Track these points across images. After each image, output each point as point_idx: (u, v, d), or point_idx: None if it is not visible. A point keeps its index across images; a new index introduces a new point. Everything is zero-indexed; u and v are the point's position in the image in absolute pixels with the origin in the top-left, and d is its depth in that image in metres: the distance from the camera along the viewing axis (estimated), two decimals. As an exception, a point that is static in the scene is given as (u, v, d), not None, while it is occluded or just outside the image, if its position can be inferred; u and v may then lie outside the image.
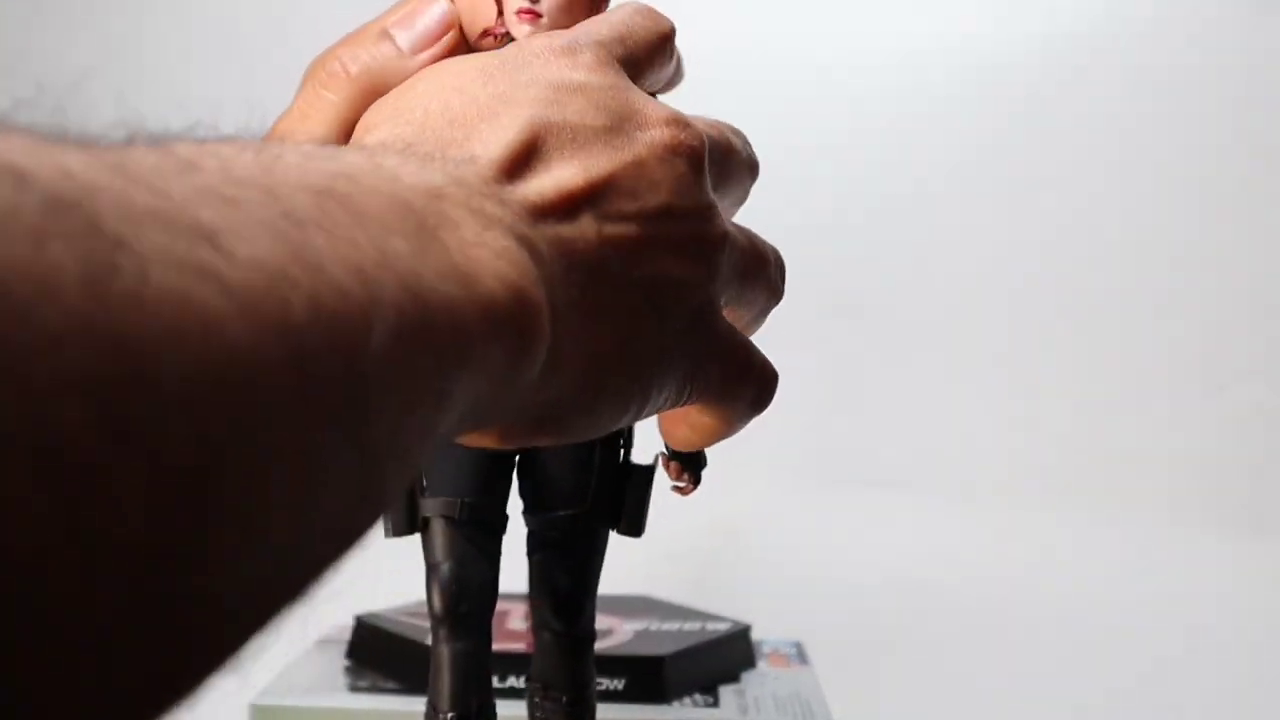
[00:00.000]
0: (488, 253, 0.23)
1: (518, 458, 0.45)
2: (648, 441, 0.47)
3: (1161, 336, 1.18)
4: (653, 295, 0.29)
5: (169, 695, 0.16)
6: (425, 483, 0.43)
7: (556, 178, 0.27)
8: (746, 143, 0.36)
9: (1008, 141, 1.22)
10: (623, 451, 0.46)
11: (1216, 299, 1.18)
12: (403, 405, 0.19)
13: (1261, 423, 1.15)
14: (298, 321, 0.16)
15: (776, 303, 0.37)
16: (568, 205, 0.27)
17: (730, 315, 0.34)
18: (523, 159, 0.26)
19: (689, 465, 0.46)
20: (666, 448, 0.47)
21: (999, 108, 1.22)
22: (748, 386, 0.34)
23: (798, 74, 1.21)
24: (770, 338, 1.27)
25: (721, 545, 1.12)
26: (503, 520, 0.44)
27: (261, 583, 0.18)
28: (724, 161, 0.33)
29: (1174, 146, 1.20)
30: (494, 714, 0.44)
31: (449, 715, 0.42)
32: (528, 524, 0.46)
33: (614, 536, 0.47)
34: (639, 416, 0.30)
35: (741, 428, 0.37)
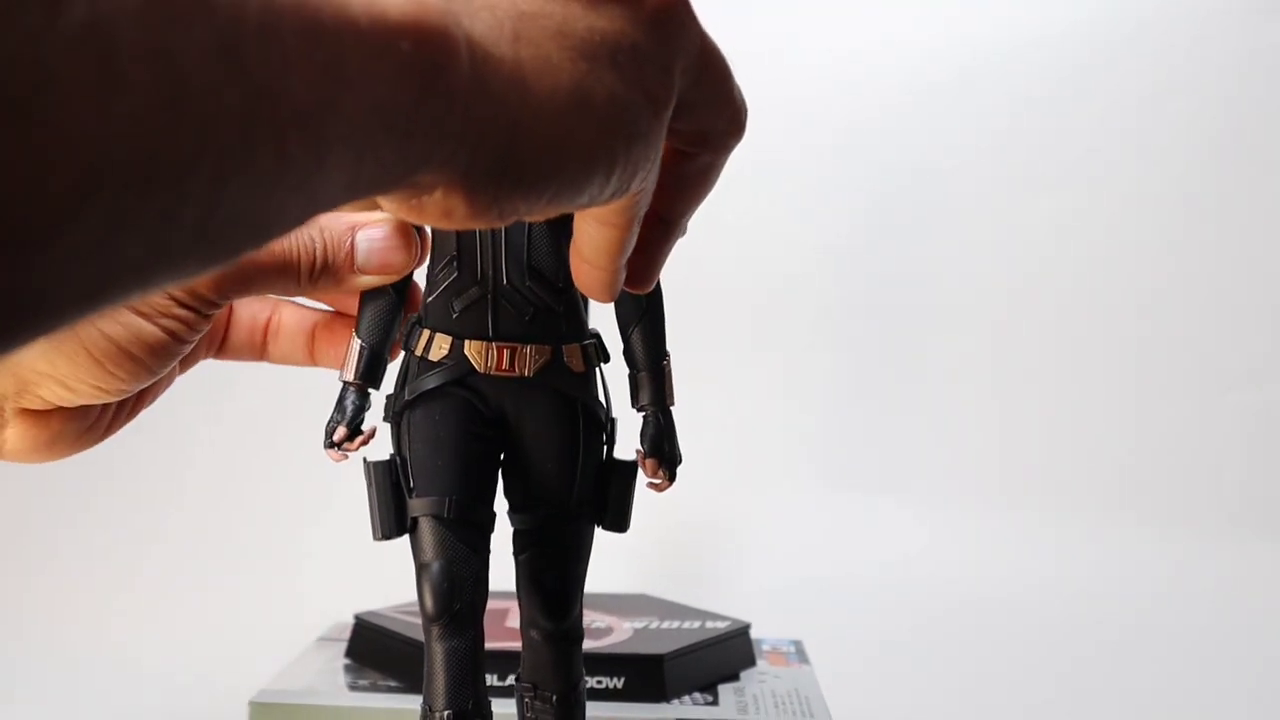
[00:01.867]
0: None
1: (503, 456, 0.45)
2: (627, 439, 0.47)
3: (1166, 340, 1.18)
4: (606, 49, 0.28)
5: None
6: (412, 484, 0.43)
7: None
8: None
9: (1008, 145, 1.22)
10: (605, 448, 0.46)
11: (1221, 302, 1.18)
12: (277, 55, 0.19)
13: (1267, 426, 1.15)
14: None
15: (738, 137, 0.35)
16: None
17: (690, 130, 0.33)
18: None
19: (664, 462, 0.46)
20: (643, 444, 0.47)
21: (996, 112, 1.22)
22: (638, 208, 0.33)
23: (803, 75, 1.21)
24: (772, 339, 1.27)
25: (721, 545, 1.13)
26: (490, 518, 0.44)
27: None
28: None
29: (1175, 148, 1.20)
30: (489, 711, 0.44)
31: (445, 714, 0.42)
32: (514, 523, 0.46)
33: (604, 536, 0.47)
34: (607, 181, 0.29)
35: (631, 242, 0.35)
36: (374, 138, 0.22)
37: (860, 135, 1.24)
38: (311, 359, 0.46)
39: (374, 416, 0.45)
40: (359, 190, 0.23)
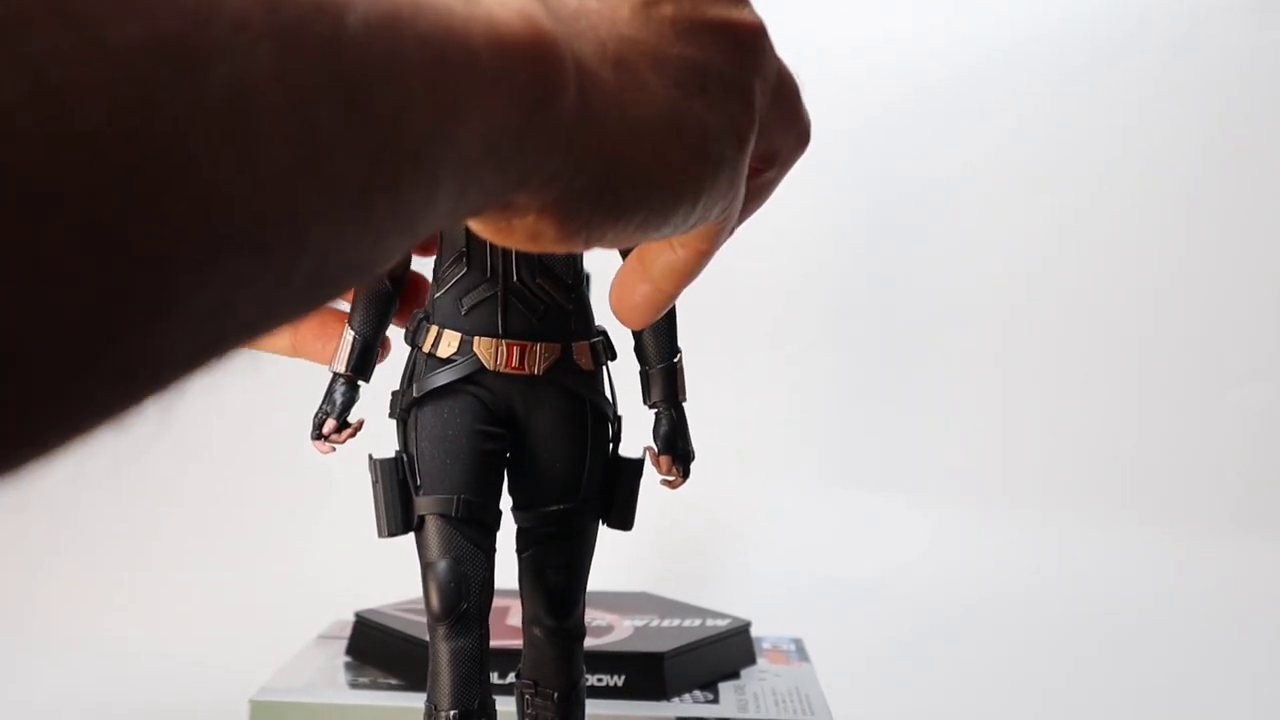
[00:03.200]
0: None
1: (509, 454, 0.45)
2: (634, 437, 0.47)
3: (1167, 339, 1.18)
4: (696, 77, 0.28)
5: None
6: (419, 481, 0.43)
7: None
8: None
9: (1009, 144, 1.22)
10: (611, 446, 0.46)
11: (1220, 300, 1.18)
12: (402, 96, 0.18)
13: (1266, 424, 1.15)
14: None
15: (803, 150, 0.35)
16: None
17: (761, 150, 0.33)
18: None
19: (678, 459, 0.46)
20: (655, 441, 0.47)
21: (997, 112, 1.22)
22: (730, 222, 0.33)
23: (806, 75, 1.21)
24: (776, 338, 1.26)
25: (722, 542, 1.12)
26: (497, 517, 0.44)
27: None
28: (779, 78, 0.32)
29: (1177, 147, 1.20)
30: (494, 710, 0.44)
31: (450, 713, 0.42)
32: (518, 521, 0.46)
33: (605, 534, 0.47)
34: (692, 210, 0.29)
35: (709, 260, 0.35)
36: (480, 165, 0.21)
37: (863, 135, 1.23)
38: (293, 349, 0.45)
39: (361, 409, 0.45)
40: (458, 216, 0.23)
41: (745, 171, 0.31)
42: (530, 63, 0.22)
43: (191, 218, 0.15)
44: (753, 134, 0.30)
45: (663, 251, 0.34)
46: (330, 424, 0.43)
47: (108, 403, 0.16)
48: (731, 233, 0.36)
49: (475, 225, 0.27)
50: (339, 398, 0.44)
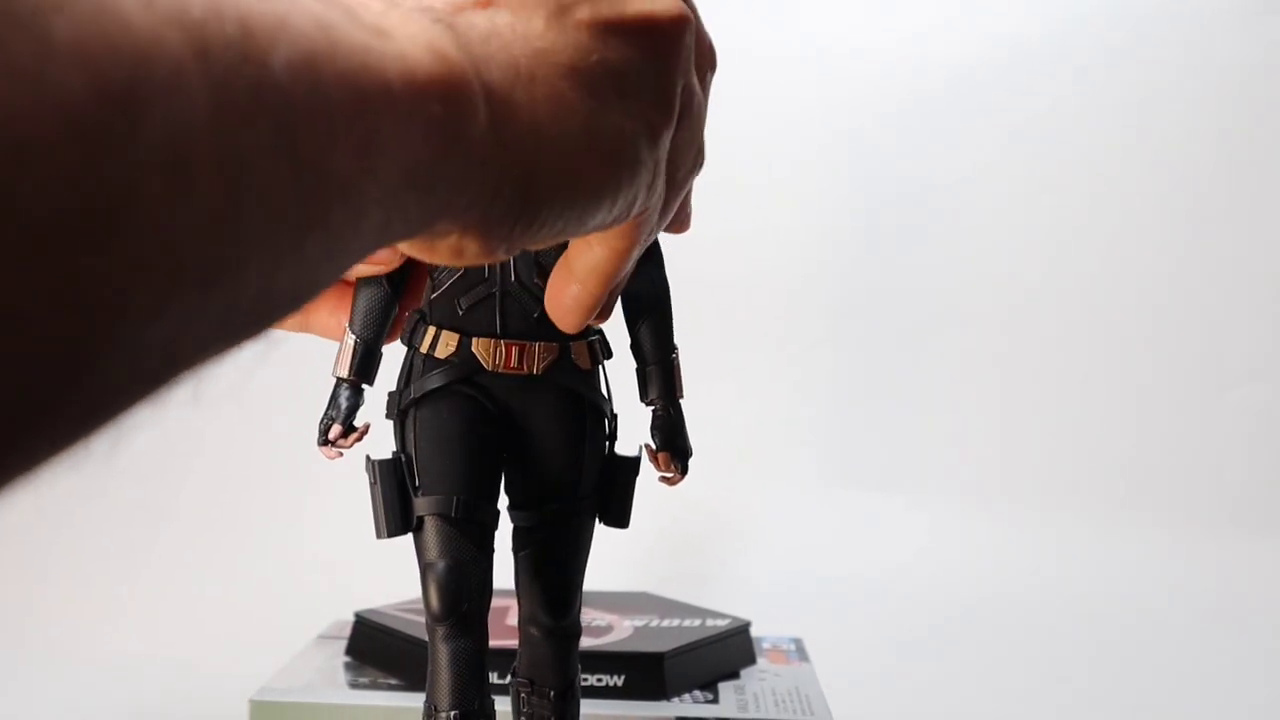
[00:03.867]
0: (399, 18, 0.23)
1: (506, 454, 0.45)
2: (631, 435, 0.47)
3: (1165, 339, 1.18)
4: (613, 81, 0.28)
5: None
6: (418, 482, 0.43)
7: None
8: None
9: (1011, 145, 1.22)
10: (608, 444, 0.46)
11: (1219, 301, 1.18)
12: (325, 132, 0.19)
13: (1266, 424, 1.15)
14: (195, 17, 0.16)
15: (699, 168, 0.35)
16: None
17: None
18: None
19: (676, 455, 0.46)
20: (654, 439, 0.47)
21: (999, 113, 1.22)
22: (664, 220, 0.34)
23: (810, 77, 1.21)
24: (776, 337, 1.26)
25: (722, 542, 1.12)
26: (495, 516, 0.44)
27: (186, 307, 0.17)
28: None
29: (1176, 147, 1.20)
30: (493, 711, 0.44)
31: (450, 714, 0.42)
32: (515, 520, 0.46)
33: (605, 534, 0.47)
34: (611, 210, 0.29)
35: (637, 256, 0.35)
36: (402, 197, 0.22)
37: (864, 135, 1.23)
38: (302, 325, 0.44)
39: (366, 413, 0.45)
40: (382, 244, 0.23)
41: (663, 165, 0.31)
42: (440, 97, 0.23)
43: (138, 261, 0.15)
44: (668, 129, 0.30)
45: (582, 251, 0.34)
46: (336, 429, 0.43)
47: (70, 433, 0.16)
48: (655, 232, 0.35)
49: (402, 246, 0.28)
50: (344, 403, 0.44)
